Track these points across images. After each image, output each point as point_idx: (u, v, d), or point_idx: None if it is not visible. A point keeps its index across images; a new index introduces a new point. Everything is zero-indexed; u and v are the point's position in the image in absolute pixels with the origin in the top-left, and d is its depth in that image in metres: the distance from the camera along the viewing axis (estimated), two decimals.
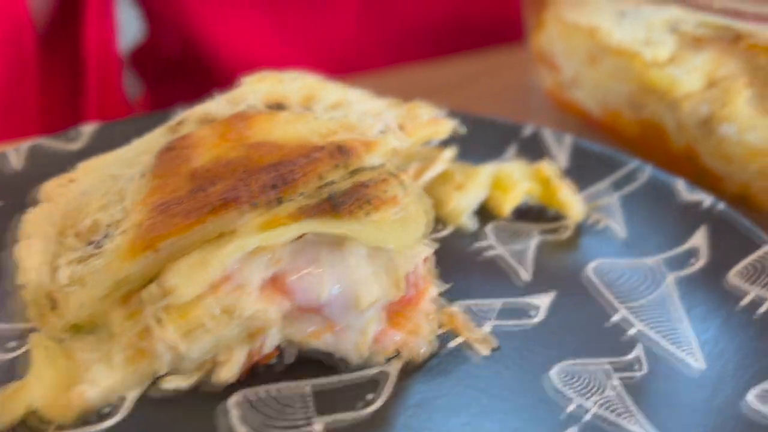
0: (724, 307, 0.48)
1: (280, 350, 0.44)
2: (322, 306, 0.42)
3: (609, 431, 0.40)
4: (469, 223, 0.58)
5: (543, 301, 0.50)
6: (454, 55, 0.95)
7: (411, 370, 0.45)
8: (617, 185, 0.60)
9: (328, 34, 0.99)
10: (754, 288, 0.48)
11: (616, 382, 0.44)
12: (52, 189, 0.51)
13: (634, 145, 0.70)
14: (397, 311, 0.45)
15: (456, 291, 0.50)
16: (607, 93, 0.70)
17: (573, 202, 0.57)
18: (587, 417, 0.41)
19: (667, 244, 0.54)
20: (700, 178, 0.64)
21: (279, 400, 0.42)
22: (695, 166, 0.64)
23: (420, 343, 0.45)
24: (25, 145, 0.60)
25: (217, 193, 0.42)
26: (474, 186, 0.59)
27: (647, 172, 0.59)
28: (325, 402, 0.42)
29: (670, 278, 0.51)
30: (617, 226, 0.57)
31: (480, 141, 0.65)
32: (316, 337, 0.43)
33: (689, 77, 0.65)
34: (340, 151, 0.47)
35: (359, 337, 0.43)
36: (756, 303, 0.47)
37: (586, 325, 0.48)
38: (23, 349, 0.44)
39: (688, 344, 0.46)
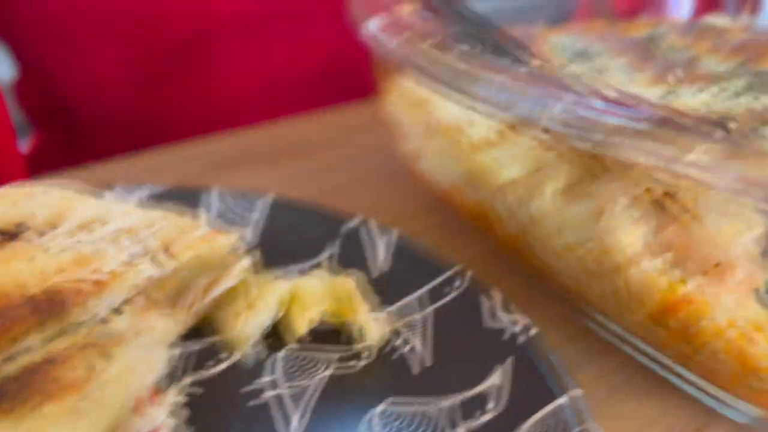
0: None
1: None
2: None
3: None
4: (256, 351, 0.51)
5: None
6: (319, 110, 0.88)
7: None
8: (433, 296, 0.53)
9: None
10: None
11: None
12: None
13: (477, 225, 0.63)
14: None
15: None
16: (445, 169, 0.63)
17: (373, 325, 0.50)
18: None
19: (466, 381, 0.47)
20: (534, 271, 0.57)
21: None
22: (527, 257, 0.57)
23: None
24: None
25: None
26: (266, 305, 0.51)
27: (465, 283, 0.52)
28: None
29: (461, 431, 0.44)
30: (425, 351, 0.50)
31: (295, 238, 0.58)
32: None
33: (512, 163, 0.57)
34: (48, 305, 0.40)
35: None
36: None
37: None
38: None
39: None
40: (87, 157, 0.87)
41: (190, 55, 0.88)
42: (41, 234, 0.46)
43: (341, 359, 0.50)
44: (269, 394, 0.47)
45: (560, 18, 0.86)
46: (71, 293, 0.40)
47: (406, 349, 0.50)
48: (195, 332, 0.51)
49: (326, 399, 0.47)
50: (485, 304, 0.49)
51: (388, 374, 0.48)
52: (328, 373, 0.49)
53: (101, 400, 0.36)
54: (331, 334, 0.52)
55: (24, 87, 1.08)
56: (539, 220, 0.53)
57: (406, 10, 0.60)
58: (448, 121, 0.59)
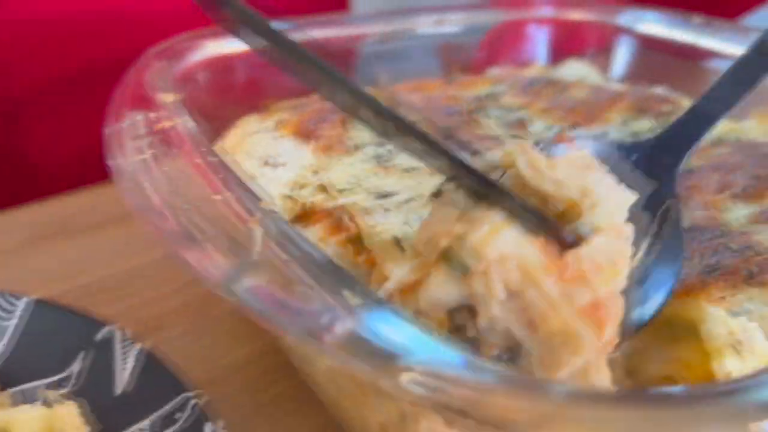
0: None
1: None
2: None
3: None
4: None
5: None
6: None
7: None
8: (165, 423, 0.50)
9: None
10: None
11: None
12: None
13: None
14: None
15: None
16: None
17: None
18: None
19: None
20: None
21: None
22: None
23: None
24: None
25: None
26: None
27: (194, 412, 0.49)
28: None
29: None
30: None
31: (48, 348, 0.55)
32: None
33: None
34: None
35: None
36: None
37: None
38: None
39: None
40: None
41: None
42: None
43: None
44: None
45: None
46: None
47: None
48: None
49: None
50: None
51: None
52: None
53: None
54: None
55: None
56: None
57: (168, 99, 0.57)
58: None
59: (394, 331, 0.32)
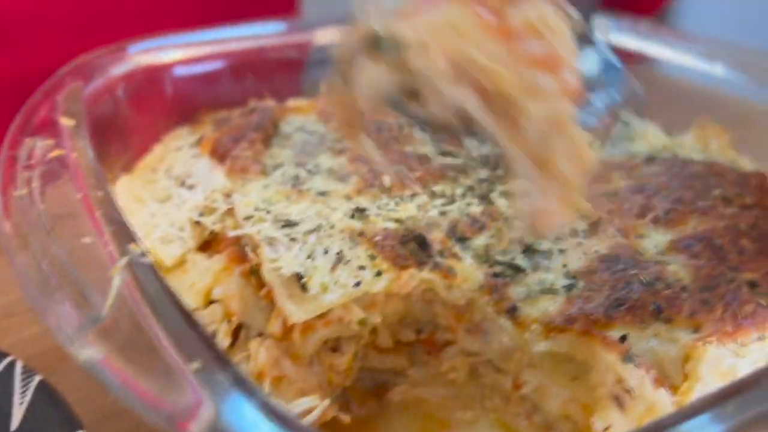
0: None
1: None
2: None
3: None
4: None
5: None
6: None
7: None
8: None
9: None
10: None
11: None
12: None
13: None
14: None
15: None
16: None
17: None
18: None
19: None
20: None
21: None
22: None
23: None
24: None
25: None
26: None
27: None
28: None
29: None
30: None
31: None
32: None
33: (190, 291, 0.53)
34: None
35: None
36: None
37: None
38: None
39: None
40: None
41: None
42: None
43: None
44: None
45: None
46: None
47: None
48: None
49: None
50: None
51: None
52: None
53: None
54: None
55: None
56: None
57: (70, 123, 0.55)
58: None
59: (252, 425, 0.30)
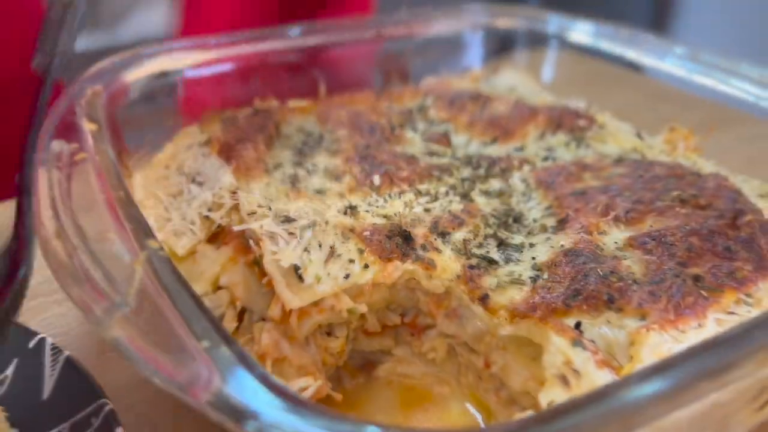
0: None
1: None
2: None
3: None
4: None
5: None
6: None
7: None
8: (82, 427, 0.55)
9: None
10: None
11: None
12: None
13: None
14: None
15: None
16: None
17: None
18: None
19: None
20: None
21: None
22: None
23: None
24: None
25: None
26: None
27: (107, 416, 0.55)
28: None
29: None
30: None
31: None
32: None
33: (200, 278, 0.59)
34: None
35: None
36: None
37: None
38: None
39: None
40: None
41: None
42: None
43: None
44: None
45: None
46: None
47: None
48: None
49: None
50: None
51: None
52: None
53: None
54: None
55: None
56: None
57: (92, 128, 0.61)
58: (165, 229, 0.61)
59: (253, 393, 0.37)
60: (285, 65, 0.84)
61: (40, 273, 0.72)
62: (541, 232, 0.62)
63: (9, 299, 0.47)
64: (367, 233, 0.58)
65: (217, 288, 0.59)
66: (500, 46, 0.94)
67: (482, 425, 0.58)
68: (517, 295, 0.55)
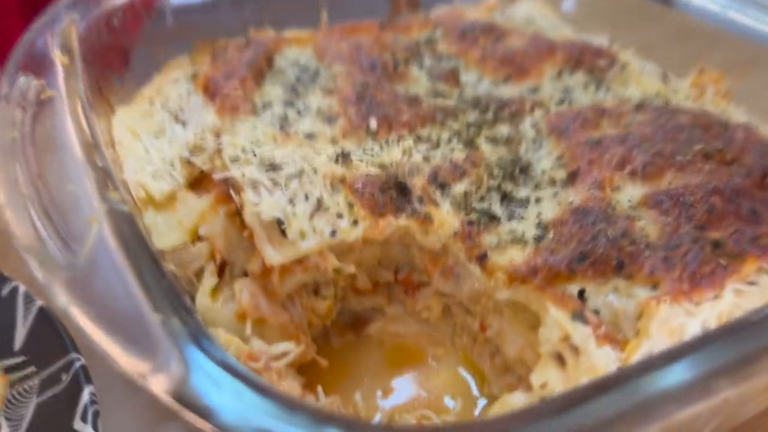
0: None
1: None
2: None
3: None
4: None
5: None
6: None
7: None
8: (52, 382, 0.53)
9: None
10: None
11: None
12: None
13: None
14: None
15: None
16: None
17: None
18: None
19: None
20: None
21: None
22: None
23: None
24: None
25: None
26: None
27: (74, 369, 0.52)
28: None
29: None
30: None
31: None
32: None
33: (178, 227, 0.55)
34: None
35: None
36: None
37: None
38: None
39: None
40: None
41: None
42: None
43: None
44: None
45: None
46: None
47: None
48: None
49: None
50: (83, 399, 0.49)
51: None
52: None
53: None
54: None
55: None
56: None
57: (64, 61, 0.56)
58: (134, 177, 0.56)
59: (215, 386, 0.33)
60: None
61: None
62: (550, 186, 0.57)
63: None
64: (358, 185, 0.53)
65: (197, 239, 0.55)
66: None
67: (475, 391, 0.54)
68: (518, 256, 0.50)
